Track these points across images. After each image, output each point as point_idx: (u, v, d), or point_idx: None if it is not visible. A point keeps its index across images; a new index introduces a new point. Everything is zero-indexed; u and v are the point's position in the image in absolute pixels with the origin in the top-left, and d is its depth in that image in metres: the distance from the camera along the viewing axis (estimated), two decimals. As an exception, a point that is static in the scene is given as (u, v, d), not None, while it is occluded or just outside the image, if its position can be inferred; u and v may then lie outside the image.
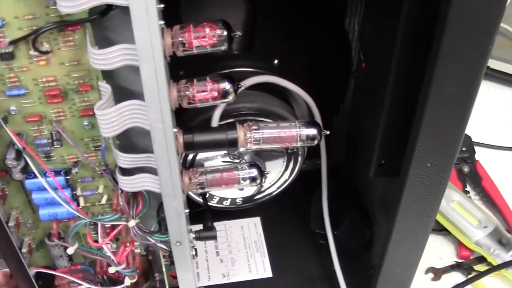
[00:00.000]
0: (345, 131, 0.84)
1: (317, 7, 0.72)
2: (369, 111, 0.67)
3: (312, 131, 0.56)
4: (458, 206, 0.89)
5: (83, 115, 0.53)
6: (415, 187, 0.59)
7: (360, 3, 0.73)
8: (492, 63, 1.22)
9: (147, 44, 0.43)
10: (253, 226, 0.87)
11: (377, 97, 0.62)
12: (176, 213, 0.56)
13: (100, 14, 0.46)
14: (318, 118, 0.67)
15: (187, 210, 0.58)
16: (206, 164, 0.68)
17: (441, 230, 0.90)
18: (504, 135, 1.10)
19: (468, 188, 0.98)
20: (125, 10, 0.42)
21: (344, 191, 0.83)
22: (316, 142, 0.56)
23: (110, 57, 0.46)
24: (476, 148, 1.03)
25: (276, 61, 0.66)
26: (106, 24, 0.48)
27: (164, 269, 0.68)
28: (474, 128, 0.99)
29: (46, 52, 0.48)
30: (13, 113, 0.53)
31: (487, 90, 1.20)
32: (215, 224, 0.85)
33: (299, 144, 0.56)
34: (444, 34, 0.46)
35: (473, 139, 1.03)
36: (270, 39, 0.67)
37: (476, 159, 1.01)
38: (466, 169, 0.99)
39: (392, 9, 0.55)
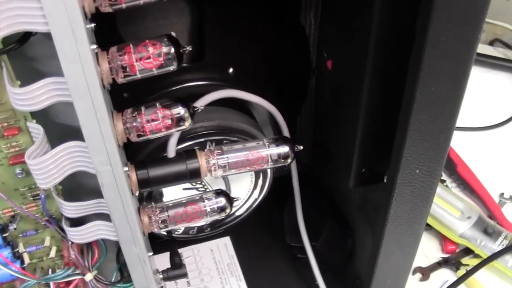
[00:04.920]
0: (310, 132, 0.78)
1: (268, 5, 0.65)
2: (341, 114, 0.60)
3: (284, 149, 0.48)
4: (438, 199, 0.83)
5: (14, 162, 0.45)
6: (404, 196, 0.52)
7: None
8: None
9: (79, 75, 0.35)
10: (223, 247, 0.79)
11: (350, 101, 0.55)
12: (138, 260, 0.48)
13: (18, 43, 0.37)
14: (285, 129, 0.60)
15: (151, 253, 0.51)
16: (165, 192, 0.60)
17: (423, 225, 0.85)
18: (473, 115, 1.04)
19: (443, 177, 0.92)
20: (49, 34, 0.34)
21: (318, 198, 0.76)
22: (289, 160, 0.49)
23: (35, 96, 0.37)
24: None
25: (231, 70, 0.58)
26: (28, 53, 0.40)
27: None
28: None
29: (-42, 96, 0.40)
30: None
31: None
32: (182, 250, 0.79)
33: (270, 165, 0.48)
34: (429, 28, 0.40)
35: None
36: (221, 46, 0.60)
37: (448, 144, 0.95)
38: (439, 156, 0.93)
39: (362, 6, 0.49)
